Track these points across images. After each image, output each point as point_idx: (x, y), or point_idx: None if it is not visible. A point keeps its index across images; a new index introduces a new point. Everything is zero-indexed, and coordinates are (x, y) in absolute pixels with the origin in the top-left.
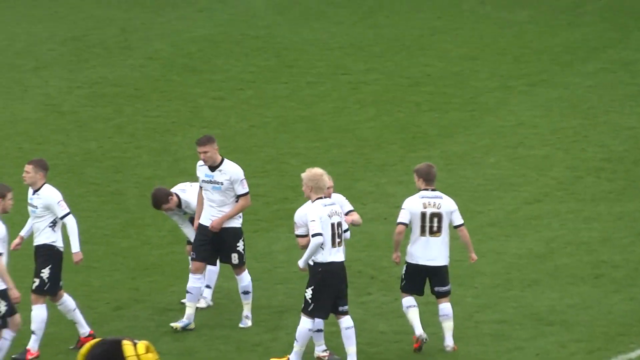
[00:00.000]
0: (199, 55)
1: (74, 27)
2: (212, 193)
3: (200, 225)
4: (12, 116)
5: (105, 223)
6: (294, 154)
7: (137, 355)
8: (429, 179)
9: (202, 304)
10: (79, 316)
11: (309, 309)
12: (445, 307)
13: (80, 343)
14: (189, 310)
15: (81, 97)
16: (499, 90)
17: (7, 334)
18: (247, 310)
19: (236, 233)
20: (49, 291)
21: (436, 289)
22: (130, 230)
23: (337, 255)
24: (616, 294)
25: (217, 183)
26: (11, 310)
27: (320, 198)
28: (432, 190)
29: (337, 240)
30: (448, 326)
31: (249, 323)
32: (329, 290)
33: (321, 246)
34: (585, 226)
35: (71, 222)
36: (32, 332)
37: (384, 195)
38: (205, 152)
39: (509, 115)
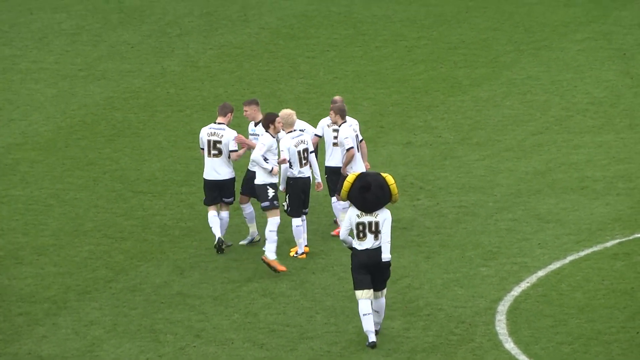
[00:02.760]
0: (297, 26)
1: (207, 5)
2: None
3: None
4: (162, 69)
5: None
6: (365, 98)
7: (394, 184)
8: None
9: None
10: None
11: (289, 211)
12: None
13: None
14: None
15: (212, 56)
16: (514, 52)
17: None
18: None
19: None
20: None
21: None
22: None
23: (303, 172)
24: (596, 201)
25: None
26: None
27: (291, 132)
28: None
29: (304, 162)
30: None
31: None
32: (297, 197)
33: (290, 167)
34: (574, 151)
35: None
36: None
37: (430, 128)
38: (245, 111)
39: (520, 70)
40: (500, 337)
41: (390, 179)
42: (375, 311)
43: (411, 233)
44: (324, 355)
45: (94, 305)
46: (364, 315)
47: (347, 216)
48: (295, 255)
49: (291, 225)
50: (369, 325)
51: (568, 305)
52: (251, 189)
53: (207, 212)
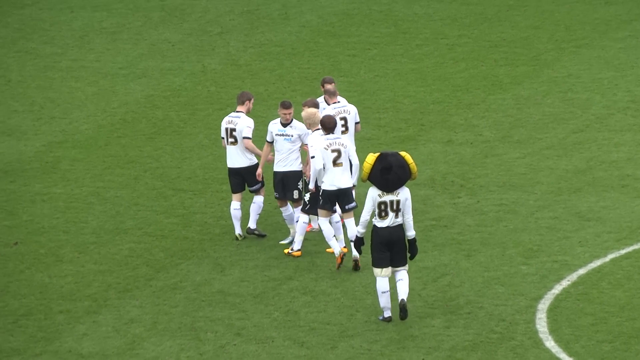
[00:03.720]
0: (338, 24)
1: (248, 3)
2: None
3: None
4: (203, 68)
5: None
6: (406, 96)
7: (413, 162)
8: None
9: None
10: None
11: (306, 209)
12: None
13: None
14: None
15: (253, 54)
16: (555, 50)
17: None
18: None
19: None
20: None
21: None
22: None
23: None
24: (637, 199)
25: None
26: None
27: (318, 129)
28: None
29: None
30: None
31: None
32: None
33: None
34: (615, 149)
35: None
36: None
37: (471, 126)
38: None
39: (561, 69)
40: (541, 336)
41: (409, 158)
42: (401, 279)
43: (452, 231)
44: (364, 353)
45: (134, 303)
46: (383, 292)
47: (370, 197)
48: (290, 252)
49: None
50: (386, 302)
51: (609, 304)
52: (282, 190)
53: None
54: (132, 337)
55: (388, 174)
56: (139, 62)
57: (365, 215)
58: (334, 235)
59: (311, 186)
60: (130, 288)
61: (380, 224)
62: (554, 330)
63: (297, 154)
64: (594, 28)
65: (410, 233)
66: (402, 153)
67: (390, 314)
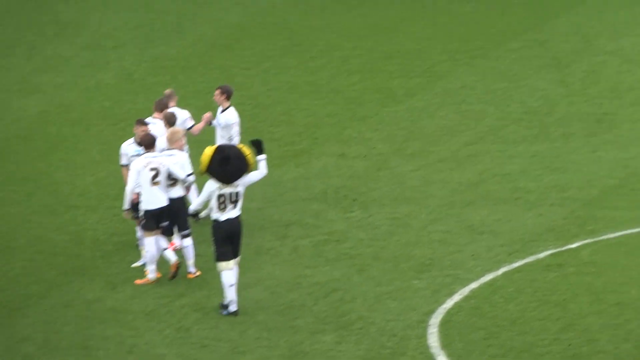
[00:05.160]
0: (232, 37)
1: (143, 17)
2: None
3: None
4: (97, 83)
5: None
6: (300, 109)
7: (250, 154)
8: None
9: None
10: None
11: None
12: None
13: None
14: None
15: (147, 68)
16: (449, 62)
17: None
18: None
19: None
20: None
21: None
22: None
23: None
24: (529, 212)
25: None
26: None
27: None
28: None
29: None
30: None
31: None
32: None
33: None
34: (509, 161)
35: None
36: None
37: (364, 139)
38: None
39: (455, 80)
40: (433, 351)
41: (246, 150)
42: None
43: (344, 245)
44: None
45: (26, 321)
46: (230, 285)
47: (206, 190)
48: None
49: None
50: (233, 294)
51: (501, 318)
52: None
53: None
54: (23, 356)
55: (227, 164)
56: (33, 77)
57: (195, 206)
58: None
59: (125, 206)
60: (21, 307)
61: (222, 217)
62: (446, 345)
63: None
64: (488, 39)
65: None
66: (239, 145)
67: (236, 308)
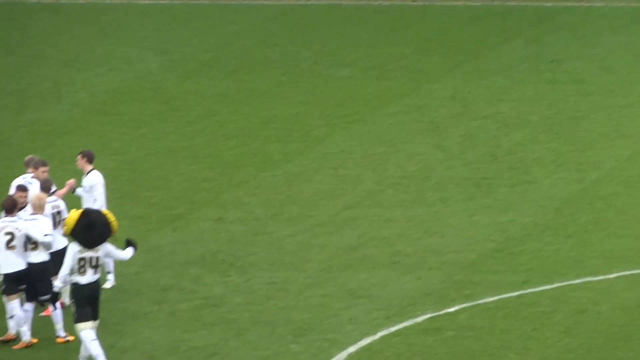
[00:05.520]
0: (109, 102)
1: (19, 81)
2: None
3: None
4: None
5: None
6: (177, 174)
7: (115, 220)
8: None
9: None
10: None
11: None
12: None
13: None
14: None
15: (24, 133)
16: (326, 126)
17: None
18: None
19: None
20: None
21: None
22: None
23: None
24: (407, 276)
25: None
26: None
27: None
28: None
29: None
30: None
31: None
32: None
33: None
34: (386, 225)
35: None
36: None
37: (241, 204)
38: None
39: (332, 144)
40: None
41: (111, 216)
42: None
43: (222, 310)
44: None
45: None
46: (92, 340)
47: (70, 253)
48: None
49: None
50: (98, 349)
51: None
52: None
53: None
54: None
55: (92, 229)
56: None
57: (64, 270)
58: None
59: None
60: None
61: (82, 280)
62: None
63: None
64: (365, 103)
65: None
66: (104, 211)
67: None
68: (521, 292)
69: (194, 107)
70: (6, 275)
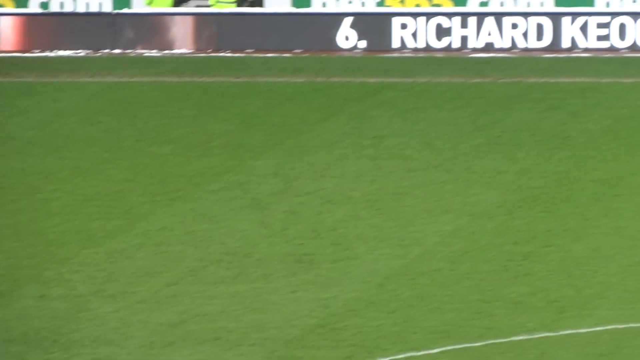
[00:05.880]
0: None
1: None
2: None
3: None
4: None
5: None
6: (1, 252)
7: None
8: None
9: None
10: None
11: None
12: None
13: None
14: None
15: None
16: (149, 203)
17: None
18: None
19: None
20: None
21: None
22: None
23: None
24: (229, 352)
25: None
26: None
27: None
28: None
29: None
30: None
31: None
32: None
33: None
34: (209, 302)
35: None
36: None
37: (64, 281)
38: None
39: (155, 221)
40: None
41: None
42: None
43: None
44: None
45: None
46: None
47: None
48: None
49: None
50: None
51: None
52: None
53: None
54: None
55: None
56: None
57: None
58: None
59: None
60: None
61: None
62: None
63: None
64: (188, 180)
65: None
66: None
67: None
68: None
69: (16, 185)
70: None
